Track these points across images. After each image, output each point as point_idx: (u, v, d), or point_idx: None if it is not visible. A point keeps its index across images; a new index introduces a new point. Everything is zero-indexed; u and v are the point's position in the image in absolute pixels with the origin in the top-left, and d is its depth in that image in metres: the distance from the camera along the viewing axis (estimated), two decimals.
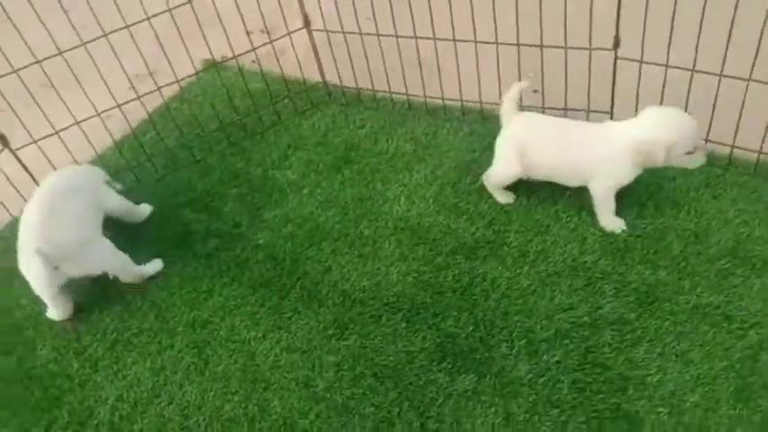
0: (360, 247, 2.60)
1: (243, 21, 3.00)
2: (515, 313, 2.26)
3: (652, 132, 2.25)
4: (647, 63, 2.48)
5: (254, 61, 3.21)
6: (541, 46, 2.62)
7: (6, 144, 2.80)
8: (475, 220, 2.59)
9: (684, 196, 2.50)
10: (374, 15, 2.90)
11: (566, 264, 2.37)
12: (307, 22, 3.13)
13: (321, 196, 2.85)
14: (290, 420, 2.13)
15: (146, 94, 3.01)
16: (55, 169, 2.91)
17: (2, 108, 2.75)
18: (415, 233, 2.60)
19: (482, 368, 2.13)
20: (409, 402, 2.10)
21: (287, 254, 2.63)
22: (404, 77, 3.06)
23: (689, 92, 2.45)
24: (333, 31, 3.07)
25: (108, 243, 2.56)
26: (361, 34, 2.98)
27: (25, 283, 2.66)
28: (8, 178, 2.81)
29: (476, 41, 2.74)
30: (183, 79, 3.11)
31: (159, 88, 3.02)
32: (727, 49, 2.30)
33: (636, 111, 2.54)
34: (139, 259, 2.72)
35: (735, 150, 2.53)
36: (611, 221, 2.43)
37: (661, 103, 2.50)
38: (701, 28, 2.29)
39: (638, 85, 2.56)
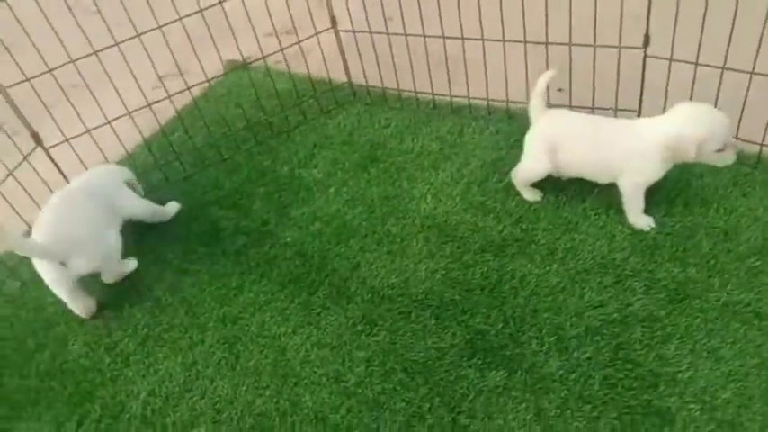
0: (387, 244, 2.62)
1: (272, 21, 3.04)
2: (545, 310, 2.26)
3: (683, 128, 2.25)
4: (676, 61, 2.48)
5: (279, 62, 3.24)
6: (570, 44, 2.63)
7: (39, 142, 2.85)
8: (502, 218, 2.59)
9: (713, 194, 2.49)
10: (401, 14, 2.92)
11: (595, 261, 2.37)
12: (334, 23, 3.15)
13: (348, 194, 2.87)
14: (322, 415, 2.15)
15: (175, 93, 3.05)
16: (86, 168, 2.96)
17: (35, 106, 2.80)
18: (443, 231, 2.61)
19: (512, 364, 2.14)
20: (440, 398, 2.11)
21: (315, 251, 2.66)
22: (430, 77, 3.07)
23: (719, 90, 2.44)
24: (360, 32, 3.09)
25: (112, 246, 2.58)
26: (388, 34, 3.00)
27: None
28: (40, 176, 2.85)
29: (504, 40, 2.75)
30: (211, 80, 3.16)
31: (189, 88, 3.06)
32: (759, 46, 2.30)
33: (664, 109, 2.54)
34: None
35: (764, 148, 2.52)
36: (639, 219, 2.43)
37: (691, 100, 2.49)
38: (733, 25, 2.29)
39: (668, 84, 2.56)
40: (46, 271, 2.44)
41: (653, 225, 2.42)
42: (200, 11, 2.87)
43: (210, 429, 2.17)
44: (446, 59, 2.96)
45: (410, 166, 2.92)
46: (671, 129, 2.27)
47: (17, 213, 2.79)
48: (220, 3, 2.90)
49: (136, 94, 2.98)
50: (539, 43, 2.70)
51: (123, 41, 2.78)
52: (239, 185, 3.05)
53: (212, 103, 3.53)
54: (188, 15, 2.86)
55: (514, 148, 2.85)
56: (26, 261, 2.84)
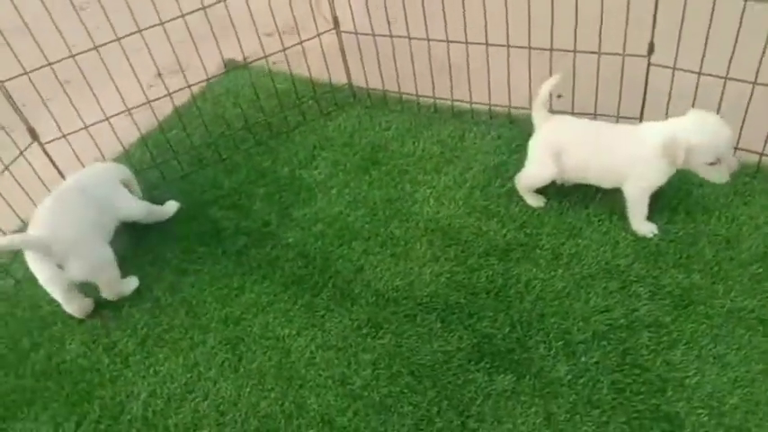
0: (391, 247, 2.61)
1: (275, 21, 3.02)
2: (551, 315, 2.27)
3: (678, 132, 2.27)
4: (680, 70, 2.51)
5: (279, 62, 3.22)
6: (575, 51, 2.65)
7: (36, 137, 2.79)
8: (506, 223, 2.60)
9: (714, 202, 2.52)
10: (405, 17, 2.92)
11: (599, 267, 2.38)
12: (336, 24, 3.14)
13: (350, 196, 2.85)
14: (328, 418, 2.13)
15: (175, 91, 3.01)
16: (82, 164, 2.91)
17: (29, 101, 2.74)
18: (446, 234, 2.61)
19: (521, 368, 2.14)
20: (448, 401, 2.10)
21: (318, 252, 2.64)
22: (432, 80, 3.08)
23: (721, 99, 2.48)
24: (363, 34, 3.08)
25: (109, 251, 2.54)
26: (391, 37, 3.00)
27: None
28: (35, 171, 2.79)
29: (508, 46, 2.76)
30: (210, 78, 3.13)
31: (190, 86, 3.04)
32: (762, 57, 2.33)
33: (666, 117, 2.57)
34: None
35: (764, 158, 2.56)
36: (643, 225, 2.45)
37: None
38: (738, 35, 2.33)
39: (670, 92, 2.59)
40: (40, 270, 2.39)
41: (656, 232, 2.44)
42: (203, 8, 2.84)
43: (215, 431, 2.14)
44: (449, 64, 2.96)
45: (412, 170, 2.92)
46: (668, 130, 2.30)
47: (11, 209, 2.73)
48: (223, 0, 2.87)
49: (133, 91, 2.94)
50: (543, 50, 2.72)
51: (124, 37, 2.74)
52: (239, 185, 3.01)
53: (210, 102, 3.50)
54: (190, 12, 2.83)
55: (516, 153, 2.86)
56: (20, 259, 2.79)
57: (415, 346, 2.27)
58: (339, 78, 3.34)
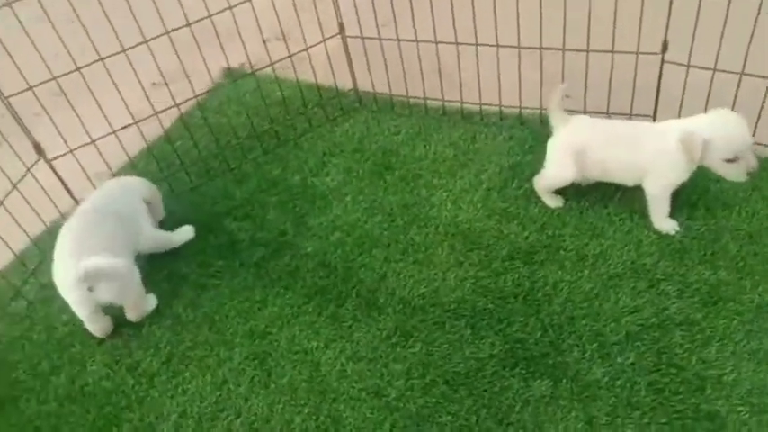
0: (413, 253, 2.59)
1: (281, 26, 2.97)
2: (582, 317, 2.27)
3: (697, 127, 2.28)
4: (694, 67, 2.52)
5: (285, 68, 3.17)
6: (588, 51, 2.65)
7: (41, 153, 2.72)
8: (527, 225, 2.59)
9: (733, 198, 2.54)
10: (413, 20, 2.89)
11: (626, 266, 2.39)
12: (341, 29, 3.10)
13: (365, 203, 2.82)
14: (365, 431, 2.10)
15: (181, 103, 2.96)
16: (88, 178, 2.85)
17: (26, 114, 2.66)
18: (468, 238, 2.60)
19: (557, 372, 2.14)
20: (486, 409, 2.09)
21: (338, 261, 2.61)
22: (441, 83, 3.06)
23: (736, 95, 2.50)
24: (369, 38, 3.05)
25: (137, 273, 2.48)
26: (398, 41, 2.97)
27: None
28: (42, 187, 2.72)
29: (519, 47, 2.75)
30: (211, 89, 3.07)
31: (196, 96, 2.99)
32: None
33: (679, 115, 2.59)
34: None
35: None
36: (665, 223, 2.46)
37: (706, 107, 2.54)
38: (753, 30, 2.34)
39: (684, 89, 2.60)
40: (69, 291, 2.32)
41: (678, 229, 2.46)
42: (209, 16, 2.78)
43: None
44: (459, 66, 2.94)
45: (426, 174, 2.90)
46: (688, 126, 2.31)
47: (20, 226, 2.66)
48: (230, 8, 2.82)
49: (132, 103, 2.86)
50: (556, 50, 2.71)
51: (130, 48, 2.68)
52: (250, 195, 2.97)
53: (212, 112, 3.44)
54: (196, 22, 2.77)
55: (530, 154, 2.86)
56: (31, 280, 2.73)
57: (447, 354, 2.25)
58: (343, 83, 3.31)
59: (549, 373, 2.14)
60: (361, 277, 2.54)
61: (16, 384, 2.42)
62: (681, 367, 2.10)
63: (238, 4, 2.84)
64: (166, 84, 2.88)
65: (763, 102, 2.50)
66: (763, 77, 2.44)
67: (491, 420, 2.06)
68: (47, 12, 2.51)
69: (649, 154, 2.36)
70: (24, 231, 2.69)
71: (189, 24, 2.75)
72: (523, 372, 2.16)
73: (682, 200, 2.52)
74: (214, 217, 2.88)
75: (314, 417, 2.16)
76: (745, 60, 2.43)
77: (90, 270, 2.24)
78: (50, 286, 2.65)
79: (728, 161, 2.30)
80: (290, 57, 3.07)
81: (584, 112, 2.79)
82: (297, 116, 3.27)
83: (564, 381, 2.11)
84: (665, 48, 2.56)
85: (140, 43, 2.69)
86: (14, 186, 2.62)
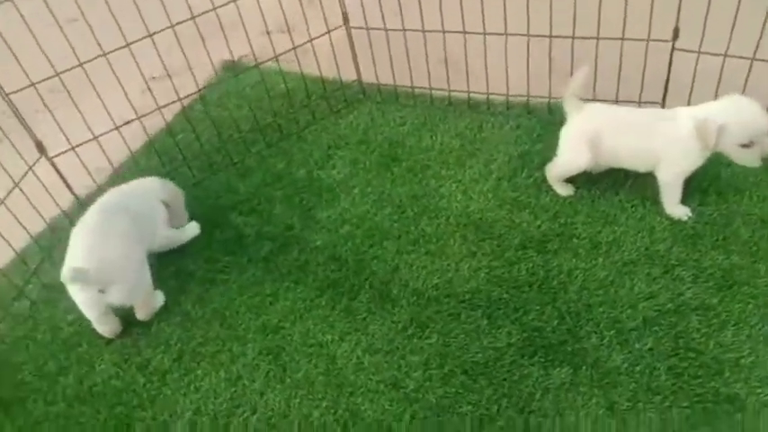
0: (424, 244, 2.56)
1: (285, 18, 2.94)
2: (598, 304, 2.26)
3: (712, 113, 2.28)
4: (705, 53, 2.52)
5: (290, 61, 3.13)
6: (597, 38, 2.63)
7: (43, 151, 2.66)
8: (538, 214, 2.58)
9: (744, 182, 2.54)
10: (420, 9, 2.86)
11: (639, 253, 2.38)
12: (345, 20, 3.07)
13: (374, 195, 2.80)
14: (385, 424, 2.08)
15: (184, 97, 2.92)
16: (90, 174, 2.80)
17: (25, 111, 2.60)
18: (479, 228, 2.58)
19: (576, 360, 2.12)
20: (507, 398, 2.07)
21: (349, 254, 2.58)
22: (447, 73, 3.03)
23: (746, 81, 2.50)
24: (373, 29, 3.02)
25: (149, 275, 2.45)
26: (404, 30, 2.94)
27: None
28: (44, 185, 2.67)
29: (528, 35, 2.73)
30: (213, 83, 3.03)
31: (198, 91, 2.94)
32: None
33: (688, 102, 2.58)
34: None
35: None
36: (677, 209, 2.46)
37: (716, 94, 2.53)
38: (766, 16, 2.34)
39: (694, 76, 2.59)
40: (78, 291, 2.27)
41: (690, 215, 2.45)
42: (214, 9, 2.74)
43: None
44: (466, 55, 2.92)
45: (434, 164, 2.88)
46: (702, 113, 2.30)
47: (21, 225, 2.60)
48: (234, 1, 2.78)
49: (131, 97, 2.81)
50: (565, 37, 2.70)
51: (133, 43, 2.63)
52: (255, 189, 2.93)
53: (213, 105, 3.39)
54: (201, 14, 2.73)
55: (539, 143, 2.85)
56: (33, 279, 2.67)
57: (465, 345, 2.23)
58: (347, 75, 3.27)
59: (568, 361, 2.13)
60: (374, 269, 2.51)
61: (22, 386, 2.37)
62: (699, 351, 2.09)
63: None
64: (169, 76, 2.83)
65: None
66: None
67: (512, 409, 2.04)
68: (49, 7, 2.45)
69: (663, 141, 2.35)
70: (25, 229, 2.63)
71: (193, 17, 2.71)
72: (542, 360, 2.14)
73: (693, 186, 2.52)
74: (219, 212, 2.84)
75: (332, 410, 2.13)
76: (757, 46, 2.43)
77: (77, 272, 2.20)
78: (53, 286, 2.62)
79: (743, 146, 2.30)
80: (293, 49, 3.03)
81: (593, 100, 2.79)
82: (300, 109, 3.23)
83: (583, 368, 2.10)
84: (675, 35, 2.56)
85: (143, 37, 2.64)
86: (16, 185, 2.56)
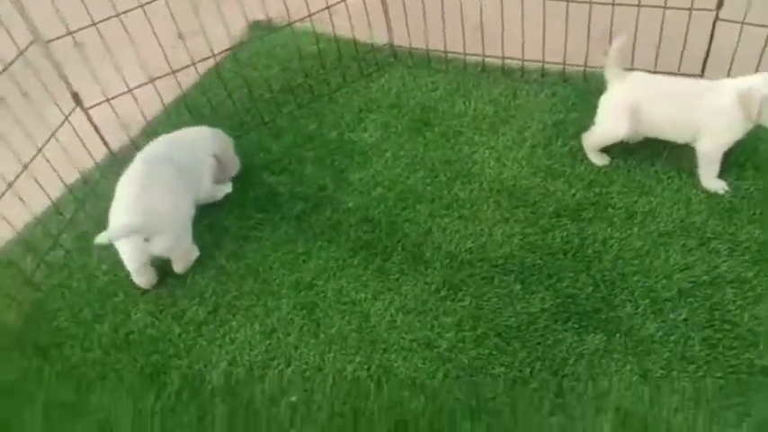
0: (457, 209, 2.57)
1: None
2: (633, 273, 2.26)
3: (753, 83, 2.26)
4: (749, 24, 2.48)
5: (305, 21, 3.06)
6: (639, 5, 2.60)
7: (79, 102, 2.66)
8: (573, 183, 2.57)
9: None
10: None
11: (675, 224, 2.38)
12: None
13: (406, 159, 2.79)
14: (419, 381, 2.11)
15: (219, 53, 2.90)
16: (123, 128, 2.81)
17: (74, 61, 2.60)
18: (513, 195, 2.58)
19: (610, 327, 2.14)
20: (541, 362, 2.09)
21: (382, 216, 2.58)
22: (482, 38, 3.00)
23: None
24: None
25: (191, 227, 2.47)
26: None
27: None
28: (78, 135, 2.67)
29: (567, 0, 2.70)
30: (242, 43, 3.00)
31: (230, 48, 2.92)
32: None
33: (728, 74, 2.56)
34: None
35: None
36: (713, 182, 2.45)
37: (758, 67, 2.51)
38: None
39: (736, 47, 2.56)
40: (123, 243, 2.29)
41: (727, 188, 2.44)
42: None
43: (304, 397, 2.10)
44: (502, 20, 2.88)
45: (467, 130, 2.86)
46: (745, 84, 2.28)
47: (57, 174, 2.61)
48: None
49: (158, 56, 2.79)
50: (605, 4, 2.66)
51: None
52: (287, 150, 2.93)
53: (242, 65, 3.37)
54: None
55: (574, 112, 2.83)
56: (68, 229, 2.69)
57: (498, 308, 2.25)
58: (378, 38, 3.24)
59: (602, 328, 2.14)
60: (406, 232, 2.52)
61: (58, 332, 2.41)
62: (734, 323, 2.10)
63: None
64: (204, 32, 2.81)
65: None
66: None
67: (546, 372, 2.07)
68: None
69: (705, 112, 2.34)
70: (61, 179, 2.65)
71: None
72: (576, 326, 2.16)
73: (730, 160, 2.50)
74: (251, 170, 2.84)
75: (365, 366, 2.16)
76: None
77: (124, 228, 2.22)
78: (87, 236, 2.65)
79: None
80: (327, 8, 2.99)
81: (631, 70, 2.76)
82: (331, 71, 3.21)
83: (617, 335, 2.12)
84: (720, 4, 2.52)
85: None
86: (53, 134, 2.57)
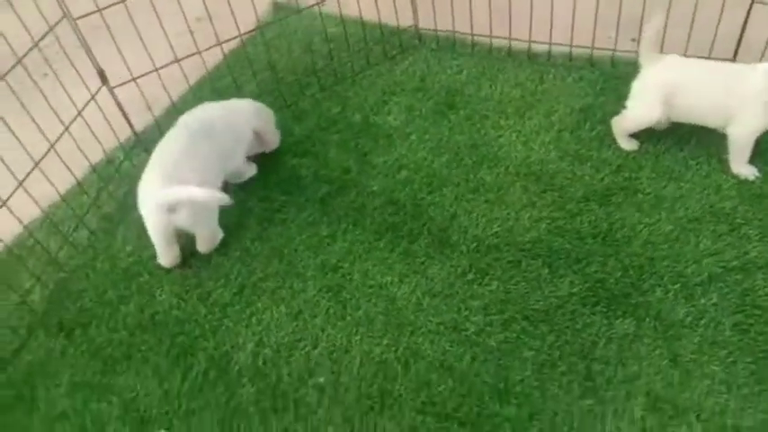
0: (484, 192, 2.55)
1: None
2: (662, 258, 2.24)
3: None
4: None
5: (319, 5, 3.04)
6: None
7: (105, 81, 2.66)
8: (601, 168, 2.55)
9: None
10: None
11: (704, 210, 2.35)
12: None
13: (431, 142, 2.77)
14: (447, 363, 2.09)
15: (243, 34, 2.88)
16: (149, 107, 2.80)
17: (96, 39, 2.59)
18: (540, 179, 2.55)
19: (639, 312, 2.12)
20: (569, 346, 2.08)
21: (407, 199, 2.57)
22: (510, 21, 2.97)
23: None
24: None
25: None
26: None
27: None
28: (104, 115, 2.67)
29: None
30: (270, 22, 2.98)
31: (253, 30, 2.91)
32: None
33: (760, 59, 2.52)
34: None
35: None
36: (744, 168, 2.42)
37: None
38: None
39: None
40: (149, 213, 2.29)
41: (758, 174, 2.41)
42: None
43: (331, 379, 2.10)
44: (531, 3, 2.85)
45: (493, 114, 2.84)
46: None
47: (82, 153, 2.61)
48: None
49: (176, 36, 2.78)
50: None
51: None
52: (310, 132, 2.92)
53: (263, 47, 3.35)
54: None
55: (602, 96, 2.80)
56: (92, 209, 2.69)
57: (525, 292, 2.23)
58: (403, 20, 3.21)
59: (631, 312, 2.12)
60: (432, 215, 2.50)
61: (83, 312, 2.41)
62: (765, 309, 2.08)
63: None
64: (233, 12, 2.79)
65: None
66: None
67: (575, 356, 2.05)
68: None
69: (740, 97, 2.30)
70: (86, 158, 2.64)
71: None
72: (605, 310, 2.14)
73: (761, 146, 2.46)
74: (274, 152, 2.83)
75: (393, 348, 2.15)
76: None
77: (171, 201, 2.22)
78: (111, 217, 2.66)
79: None
80: None
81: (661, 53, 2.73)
82: (354, 53, 3.19)
83: (647, 320, 2.10)
84: None
85: None
86: (79, 113, 2.56)
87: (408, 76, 3.10)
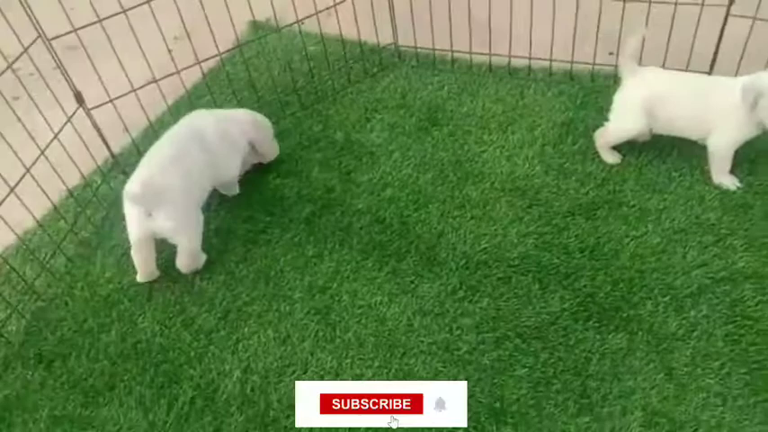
0: (470, 209, 2.53)
1: None
2: (651, 271, 2.25)
3: (756, 77, 2.25)
4: (761, 20, 2.48)
5: (318, 19, 3.02)
6: (650, 1, 2.59)
7: (81, 102, 2.59)
8: (585, 181, 2.56)
9: None
10: None
11: (690, 221, 2.37)
12: None
13: (415, 159, 2.76)
14: None
15: (223, 53, 2.84)
16: (125, 127, 2.74)
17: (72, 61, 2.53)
18: (525, 194, 2.55)
19: (631, 325, 2.12)
20: (563, 362, 2.06)
21: (393, 217, 2.54)
22: (490, 38, 2.98)
23: None
24: None
25: (201, 214, 2.42)
26: None
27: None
28: (81, 137, 2.60)
29: None
30: (249, 41, 2.95)
31: (232, 49, 2.85)
32: None
33: (737, 72, 2.55)
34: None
35: None
36: (726, 178, 2.45)
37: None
38: None
39: (746, 44, 2.56)
40: (129, 207, 2.27)
41: (739, 184, 2.44)
42: None
43: None
44: (511, 19, 2.87)
45: (475, 130, 2.84)
46: (749, 79, 2.28)
47: (59, 177, 2.54)
48: None
49: (155, 56, 2.74)
50: (616, 0, 2.65)
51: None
52: (292, 151, 2.88)
53: (241, 67, 3.31)
54: None
55: (583, 110, 2.82)
56: (69, 236, 2.61)
57: (517, 309, 2.22)
58: (382, 38, 3.20)
59: (623, 326, 2.12)
60: (419, 233, 2.48)
61: (62, 342, 2.33)
62: (755, 319, 2.09)
63: None
64: (212, 31, 2.75)
65: None
66: None
67: (569, 373, 2.04)
68: None
69: (719, 109, 2.33)
70: (63, 182, 2.58)
71: None
72: (597, 325, 2.13)
73: (741, 156, 2.49)
74: (256, 172, 2.79)
75: (385, 370, 2.11)
76: None
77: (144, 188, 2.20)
78: (89, 242, 2.59)
79: None
80: (334, 5, 2.94)
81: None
82: (334, 71, 3.17)
83: (639, 333, 2.10)
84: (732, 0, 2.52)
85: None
86: (55, 136, 2.49)
87: (389, 93, 3.08)
